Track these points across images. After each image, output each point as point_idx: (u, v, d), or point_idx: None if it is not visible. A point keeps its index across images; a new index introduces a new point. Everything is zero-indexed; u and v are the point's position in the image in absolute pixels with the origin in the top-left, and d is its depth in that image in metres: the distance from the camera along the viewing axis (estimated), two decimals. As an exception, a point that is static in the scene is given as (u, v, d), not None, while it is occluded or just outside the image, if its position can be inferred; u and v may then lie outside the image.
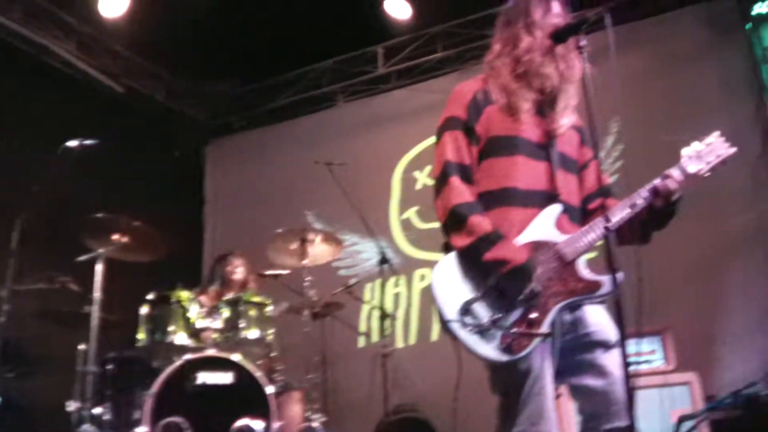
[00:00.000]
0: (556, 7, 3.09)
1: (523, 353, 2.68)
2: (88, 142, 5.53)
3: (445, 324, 2.76)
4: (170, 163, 8.98)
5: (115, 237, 5.64)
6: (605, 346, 2.86)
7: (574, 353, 2.86)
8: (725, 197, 6.72)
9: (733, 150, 3.02)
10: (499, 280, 2.73)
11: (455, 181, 2.91)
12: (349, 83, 9.08)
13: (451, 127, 3.02)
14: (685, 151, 3.00)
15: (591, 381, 2.84)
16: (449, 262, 2.87)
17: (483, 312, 2.73)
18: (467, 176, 2.95)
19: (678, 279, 6.57)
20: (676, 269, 6.56)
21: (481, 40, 7.63)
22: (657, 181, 2.91)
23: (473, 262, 2.81)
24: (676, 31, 7.50)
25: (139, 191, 7.89)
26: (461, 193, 2.89)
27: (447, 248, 2.94)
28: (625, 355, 2.49)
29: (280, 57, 8.64)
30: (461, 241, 2.83)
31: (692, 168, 2.96)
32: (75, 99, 7.79)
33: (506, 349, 2.68)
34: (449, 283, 2.82)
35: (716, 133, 3.05)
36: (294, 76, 9.25)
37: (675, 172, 2.92)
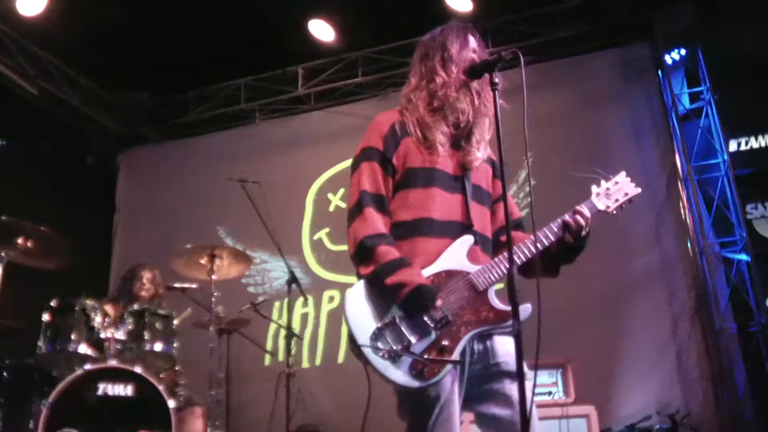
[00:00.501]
0: (472, 42, 3.14)
1: (435, 379, 2.70)
2: None
3: (357, 348, 2.76)
4: (82, 171, 8.80)
5: (19, 241, 5.47)
6: (514, 376, 2.84)
7: (483, 382, 2.88)
8: (630, 237, 6.95)
9: (638, 190, 3.16)
10: (401, 304, 2.76)
11: (370, 212, 2.93)
12: (267, 101, 9.06)
13: (368, 157, 3.04)
14: (594, 189, 3.12)
15: (498, 410, 2.86)
16: (361, 287, 2.87)
17: (394, 337, 2.74)
18: (382, 207, 2.97)
19: (581, 313, 6.74)
20: (580, 304, 6.75)
21: (401, 68, 7.72)
22: (567, 216, 2.99)
23: (377, 288, 2.83)
24: (590, 74, 7.73)
25: (48, 197, 7.70)
26: (373, 224, 2.90)
27: (358, 273, 2.95)
28: (522, 385, 2.50)
29: (199, 70, 8.58)
30: (366, 269, 2.85)
31: (601, 205, 3.09)
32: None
33: (417, 374, 2.70)
34: (361, 308, 2.82)
35: (623, 173, 3.18)
36: (212, 91, 9.18)
37: (585, 209, 3.02)
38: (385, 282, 2.78)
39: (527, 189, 7.46)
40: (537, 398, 4.27)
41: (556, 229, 2.98)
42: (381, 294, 2.82)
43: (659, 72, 7.66)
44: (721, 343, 6.63)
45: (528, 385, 2.67)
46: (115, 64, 8.20)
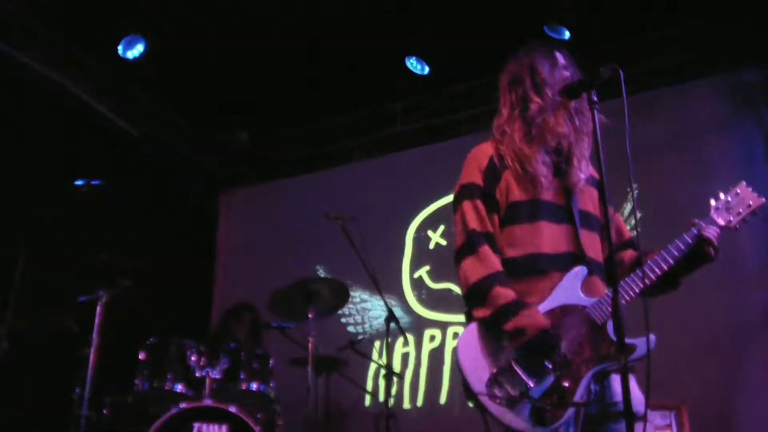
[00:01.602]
0: (562, 60, 3.00)
1: (556, 425, 2.56)
2: (95, 182, 5.46)
3: (473, 396, 2.65)
4: (182, 211, 8.91)
5: (120, 279, 5.53)
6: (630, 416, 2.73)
7: (599, 423, 2.73)
8: (749, 269, 6.57)
9: (763, 200, 2.94)
10: (519, 351, 2.63)
11: (485, 250, 2.81)
12: (365, 140, 9.02)
13: (470, 195, 2.93)
14: (713, 202, 2.92)
15: None
16: (474, 331, 2.76)
17: (512, 383, 2.62)
18: (493, 245, 2.85)
19: (697, 352, 6.38)
20: (697, 340, 6.40)
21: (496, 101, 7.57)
22: (694, 231, 2.87)
23: (493, 332, 2.71)
24: (697, 102, 7.40)
25: (149, 236, 7.80)
26: (488, 263, 2.79)
27: (469, 315, 2.84)
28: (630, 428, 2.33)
29: (296, 109, 8.62)
30: (482, 312, 2.74)
31: (721, 220, 2.93)
32: (88, 140, 7.71)
33: (538, 420, 2.57)
34: (475, 353, 2.71)
35: (743, 183, 3.00)
36: (310, 129, 9.20)
37: (704, 224, 2.84)
38: (504, 327, 2.66)
39: (633, 222, 7.19)
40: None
41: (683, 247, 2.85)
42: (497, 338, 2.70)
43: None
44: None
45: (641, 427, 2.54)
46: (214, 103, 8.30)
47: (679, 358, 6.02)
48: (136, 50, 7.28)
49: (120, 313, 5.61)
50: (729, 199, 2.96)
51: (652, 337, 2.57)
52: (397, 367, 7.62)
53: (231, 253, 9.32)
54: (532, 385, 2.60)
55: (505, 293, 2.71)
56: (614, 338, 2.65)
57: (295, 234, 8.70)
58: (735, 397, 6.31)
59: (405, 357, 7.79)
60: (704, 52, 7.47)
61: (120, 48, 7.26)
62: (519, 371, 2.62)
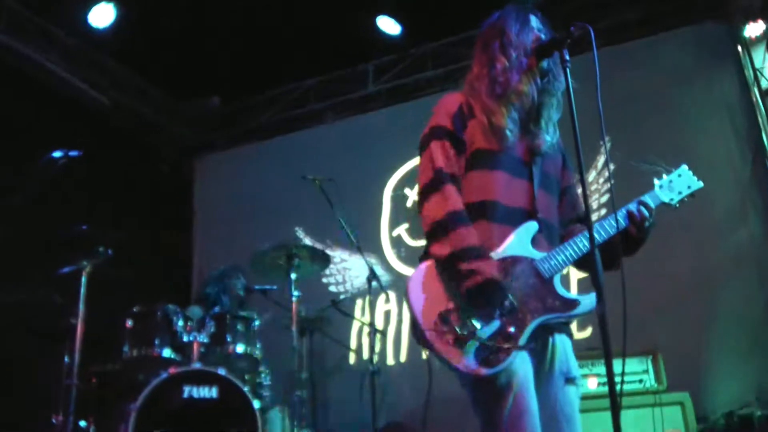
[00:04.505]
0: (535, 22, 3.06)
1: (502, 366, 2.61)
2: (73, 153, 5.43)
3: (419, 334, 2.69)
4: (157, 180, 8.91)
5: (100, 249, 5.55)
6: (566, 378, 2.84)
7: (535, 380, 2.77)
8: (717, 217, 6.72)
9: (701, 184, 3.12)
10: (468, 291, 2.66)
11: (450, 189, 2.85)
12: (337, 101, 9.03)
13: (439, 136, 2.97)
14: (657, 181, 3.05)
15: (542, 411, 2.74)
16: (425, 271, 2.81)
17: (460, 323, 2.64)
18: (458, 185, 2.90)
19: (670, 298, 6.55)
20: (668, 288, 6.58)
21: (470, 59, 7.59)
22: (632, 207, 2.94)
23: (448, 271, 2.75)
24: (665, 55, 7.48)
25: (125, 205, 7.83)
26: (454, 201, 2.83)
27: (423, 257, 2.88)
28: (610, 373, 2.39)
29: (267, 73, 8.61)
30: (441, 249, 2.77)
31: (665, 197, 3.05)
32: (60, 111, 7.68)
33: (484, 361, 2.61)
34: (425, 291, 2.75)
35: (684, 166, 3.15)
36: (282, 93, 9.22)
37: (649, 200, 2.98)
38: (460, 266, 2.69)
39: (606, 174, 7.30)
40: (628, 387, 4.18)
41: (621, 220, 2.90)
42: (449, 278, 2.74)
43: (738, 47, 7.36)
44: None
45: (576, 390, 2.80)
46: (184, 71, 8.28)
47: (651, 306, 6.18)
48: (107, 19, 7.21)
49: (103, 283, 5.63)
50: (672, 179, 3.09)
51: (593, 294, 2.66)
52: (379, 324, 7.73)
53: (208, 219, 9.36)
54: (479, 327, 2.64)
55: (469, 236, 2.76)
56: (559, 292, 2.79)
57: (272, 197, 8.76)
58: (706, 341, 6.49)
59: (387, 314, 7.90)
60: (671, 4, 7.55)
61: (89, 17, 7.19)
62: (467, 312, 2.66)
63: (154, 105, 9.00)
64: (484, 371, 2.60)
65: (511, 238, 2.83)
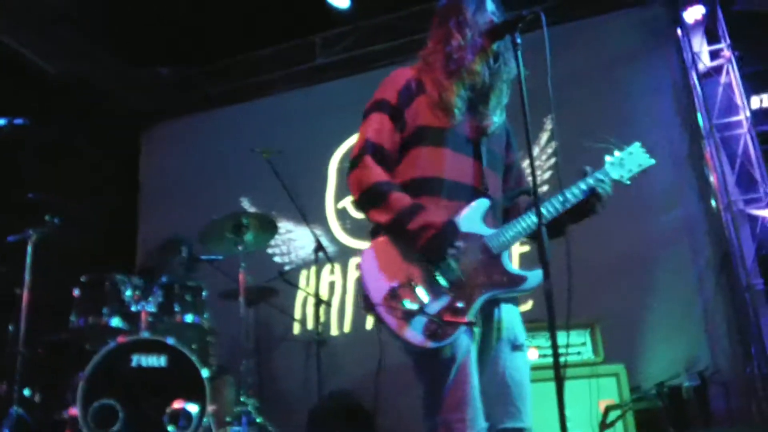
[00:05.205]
0: (490, 5, 3.12)
1: (448, 340, 2.71)
2: (18, 121, 5.37)
3: (370, 307, 2.78)
4: (104, 147, 8.82)
5: (47, 217, 5.53)
6: (513, 345, 2.95)
7: (482, 350, 2.91)
8: (654, 195, 6.91)
9: (653, 161, 3.20)
10: (425, 245, 2.76)
11: (369, 160, 2.92)
12: (286, 72, 9.00)
13: (379, 109, 3.02)
14: (608, 158, 3.14)
15: (487, 378, 2.87)
16: (376, 246, 2.89)
17: (409, 298, 2.74)
18: (383, 159, 2.96)
19: (605, 273, 6.72)
20: (604, 263, 6.73)
21: (421, 33, 7.63)
22: (591, 181, 3.03)
23: (398, 236, 2.84)
24: (607, 35, 7.67)
25: (72, 174, 7.74)
26: (378, 171, 2.91)
27: (374, 233, 2.96)
28: (555, 346, 2.53)
29: (217, 43, 8.53)
30: (383, 216, 2.84)
31: (615, 174, 3.12)
32: (3, 77, 7.54)
33: (431, 335, 2.70)
34: (376, 266, 2.83)
35: (637, 144, 3.21)
36: (230, 63, 9.16)
37: (602, 176, 3.06)
38: (408, 227, 2.78)
39: (549, 151, 7.46)
40: (567, 359, 4.32)
41: (581, 194, 3.01)
42: (399, 251, 2.83)
43: (678, 30, 7.56)
44: (747, 300, 6.62)
45: (523, 356, 2.91)
46: (133, 38, 8.17)
47: (589, 279, 6.34)
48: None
49: (49, 251, 5.62)
50: (623, 156, 3.15)
51: (539, 270, 2.78)
52: (324, 295, 7.80)
53: (155, 188, 9.31)
54: (427, 302, 2.73)
55: (403, 198, 2.84)
56: (507, 268, 2.88)
57: (219, 168, 8.76)
58: (641, 314, 6.72)
59: (332, 285, 7.98)
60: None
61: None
62: (416, 288, 2.76)
63: (101, 71, 8.85)
64: (430, 344, 2.69)
65: (463, 213, 2.90)
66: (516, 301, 3.06)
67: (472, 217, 2.91)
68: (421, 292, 2.76)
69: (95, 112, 8.74)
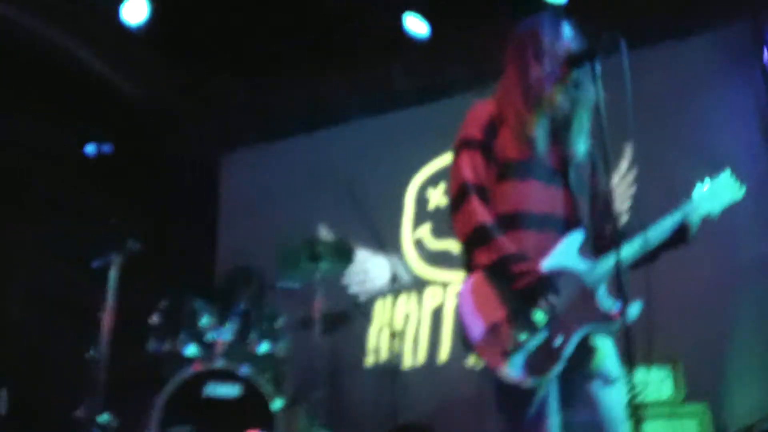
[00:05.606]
0: (567, 32, 3.11)
1: (544, 377, 2.72)
2: (105, 148, 5.49)
3: (470, 347, 2.79)
4: (184, 172, 8.94)
5: (129, 243, 5.62)
6: (605, 379, 2.90)
7: (573, 383, 2.87)
8: (739, 228, 6.67)
9: (743, 191, 3.17)
10: (523, 291, 2.76)
11: (475, 200, 2.93)
12: (365, 99, 9.02)
13: (469, 146, 3.05)
14: (696, 190, 3.07)
15: (583, 414, 2.85)
16: (473, 284, 2.88)
17: (508, 335, 2.74)
18: (485, 197, 2.97)
19: (689, 309, 6.51)
20: (687, 299, 6.53)
21: (499, 60, 7.57)
22: (679, 218, 3.00)
23: (495, 282, 2.83)
24: (690, 57, 7.46)
25: (151, 198, 7.88)
26: (484, 212, 2.91)
27: (469, 268, 2.96)
28: (632, 383, 2.51)
29: (294, 68, 8.57)
30: (487, 257, 2.85)
31: (704, 208, 3.09)
32: (87, 101, 7.65)
33: (530, 371, 2.71)
34: (473, 304, 2.84)
35: (727, 171, 3.19)
36: (310, 88, 9.18)
37: (689, 218, 3.02)
38: (511, 268, 2.79)
39: (630, 179, 7.31)
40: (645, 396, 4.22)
41: (668, 232, 2.98)
42: (497, 288, 2.83)
43: (763, 51, 7.29)
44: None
45: (618, 388, 2.84)
46: (215, 64, 8.29)
47: (673, 315, 6.16)
48: (141, 15, 7.21)
49: (130, 276, 5.71)
50: (712, 187, 3.11)
51: (635, 306, 2.76)
52: (399, 326, 7.73)
53: (233, 214, 9.37)
54: (524, 338, 2.73)
55: (509, 243, 2.85)
56: (601, 302, 2.86)
57: (298, 195, 8.75)
58: (727, 350, 6.47)
59: (406, 316, 7.93)
60: (698, 9, 7.47)
61: (122, 13, 7.20)
62: (515, 324, 2.75)
63: (183, 95, 8.95)
64: (529, 381, 2.71)
65: (557, 249, 2.91)
66: (612, 334, 3.01)
67: (566, 251, 2.91)
68: (519, 328, 2.75)
69: (175, 136, 8.86)
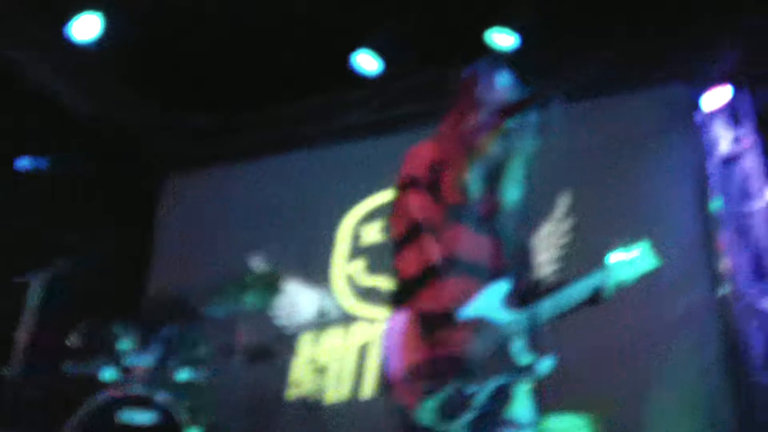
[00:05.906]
0: (506, 80, 3.16)
1: (455, 424, 2.72)
2: (40, 164, 5.43)
3: (386, 385, 2.80)
4: (124, 193, 8.85)
5: (56, 261, 5.56)
6: (516, 427, 2.91)
7: (485, 430, 2.86)
8: (661, 283, 6.76)
9: (658, 264, 3.24)
10: (437, 361, 2.77)
11: (428, 240, 2.93)
12: (309, 131, 9.01)
13: (416, 185, 3.05)
14: (611, 258, 3.14)
15: None
16: (399, 322, 2.89)
17: (425, 379, 2.75)
18: (436, 237, 2.97)
19: (605, 360, 6.56)
20: (605, 351, 6.58)
21: (446, 99, 7.59)
22: (593, 283, 3.08)
23: (421, 326, 2.83)
24: (624, 115, 7.58)
25: (87, 216, 7.76)
26: (435, 253, 2.91)
27: (400, 304, 2.95)
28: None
29: (247, 96, 8.56)
30: (431, 303, 2.85)
31: (620, 275, 3.16)
32: (36, 117, 7.60)
33: (442, 417, 2.71)
34: (396, 343, 2.84)
35: (647, 243, 3.26)
36: (258, 117, 9.16)
37: (607, 281, 3.10)
38: (431, 329, 2.80)
39: (565, 227, 7.39)
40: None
41: (584, 296, 3.08)
42: (422, 331, 2.83)
43: (697, 113, 7.45)
44: (757, 397, 6.45)
45: None
46: (167, 86, 8.27)
47: (589, 368, 6.21)
48: (93, 33, 7.11)
49: (53, 295, 5.63)
50: (630, 257, 3.18)
51: (549, 359, 2.81)
52: (323, 360, 7.70)
53: (169, 239, 9.25)
54: (441, 384, 2.74)
55: (440, 294, 2.85)
56: (516, 355, 2.86)
57: (235, 222, 8.70)
58: (645, 404, 6.53)
59: (331, 350, 7.89)
60: (638, 66, 7.67)
61: (72, 30, 7.11)
62: (432, 370, 2.76)
63: (132, 116, 8.92)
64: (441, 426, 2.71)
65: (479, 298, 2.92)
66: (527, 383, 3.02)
67: (487, 301, 2.92)
68: (435, 374, 2.76)
69: (117, 156, 8.76)
